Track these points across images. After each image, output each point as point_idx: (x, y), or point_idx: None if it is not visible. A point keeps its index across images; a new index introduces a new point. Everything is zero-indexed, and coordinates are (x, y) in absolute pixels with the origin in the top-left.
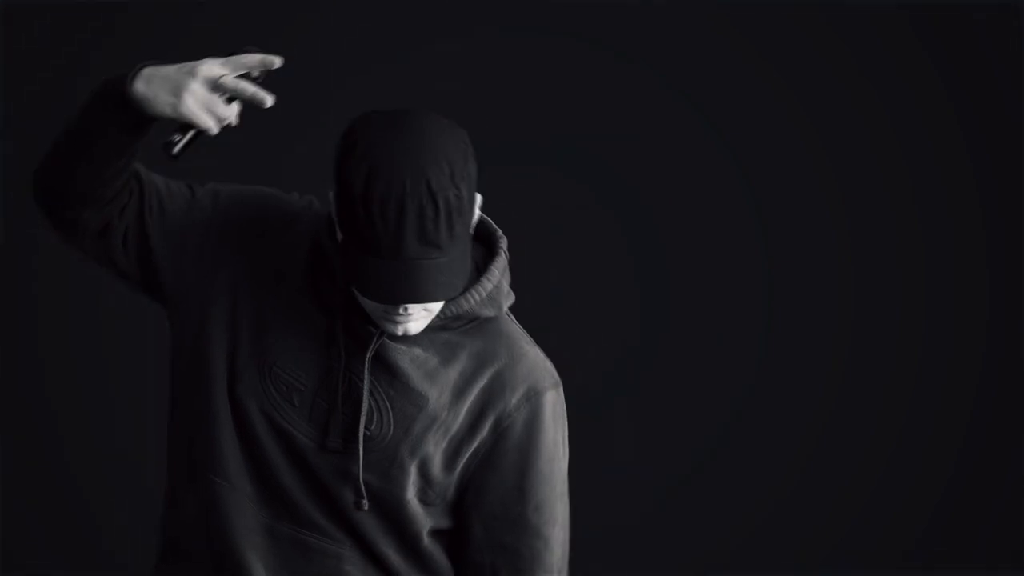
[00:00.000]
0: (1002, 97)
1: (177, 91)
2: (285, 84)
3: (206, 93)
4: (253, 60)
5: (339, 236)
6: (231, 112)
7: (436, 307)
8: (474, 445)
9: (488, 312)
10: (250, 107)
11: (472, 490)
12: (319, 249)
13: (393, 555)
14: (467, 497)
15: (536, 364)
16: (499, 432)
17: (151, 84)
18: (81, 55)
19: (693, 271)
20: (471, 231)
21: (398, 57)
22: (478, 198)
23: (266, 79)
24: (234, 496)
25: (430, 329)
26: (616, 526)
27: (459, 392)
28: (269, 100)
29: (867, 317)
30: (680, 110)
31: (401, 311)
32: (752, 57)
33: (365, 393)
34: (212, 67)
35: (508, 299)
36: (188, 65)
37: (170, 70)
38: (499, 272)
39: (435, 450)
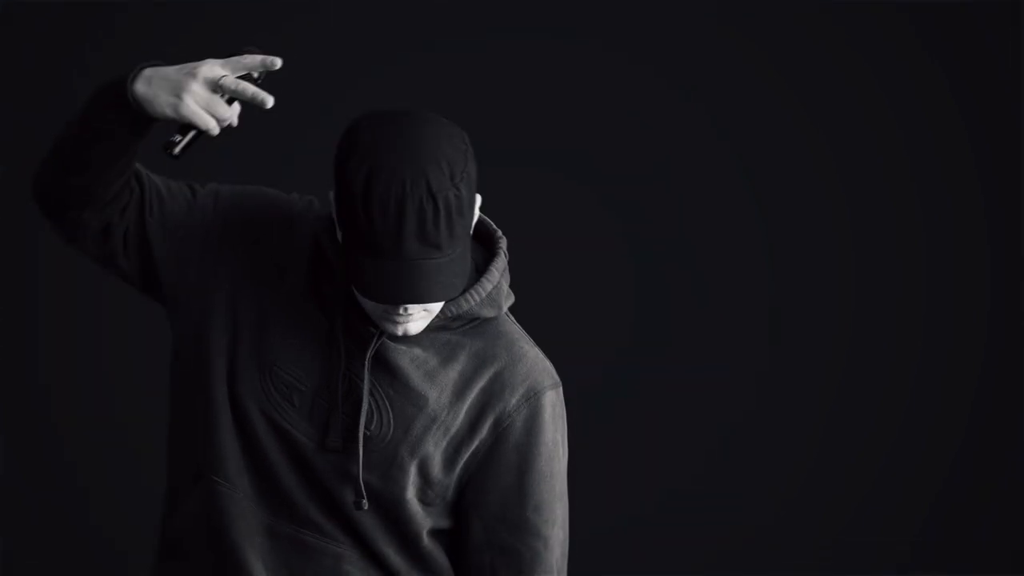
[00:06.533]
0: (1003, 89)
1: (178, 92)
2: (285, 85)
3: (207, 94)
4: (254, 61)
5: (339, 236)
6: (232, 113)
7: (436, 307)
8: (474, 445)
9: (488, 312)
10: (250, 108)
11: (472, 490)
12: (319, 249)
13: (393, 555)
14: (467, 497)
15: (536, 364)
16: (499, 432)
17: (152, 85)
18: (81, 55)
19: (694, 270)
20: (471, 231)
21: (398, 58)
22: (478, 198)
23: (266, 80)
24: (234, 496)
25: (430, 329)
26: (616, 526)
27: (459, 392)
28: (269, 101)
29: (868, 313)
30: (681, 109)
31: (401, 311)
32: (752, 56)
33: (365, 393)
34: (213, 68)
35: (508, 299)
36: (189, 66)
37: (171, 71)
38: (499, 272)
39: (435, 450)
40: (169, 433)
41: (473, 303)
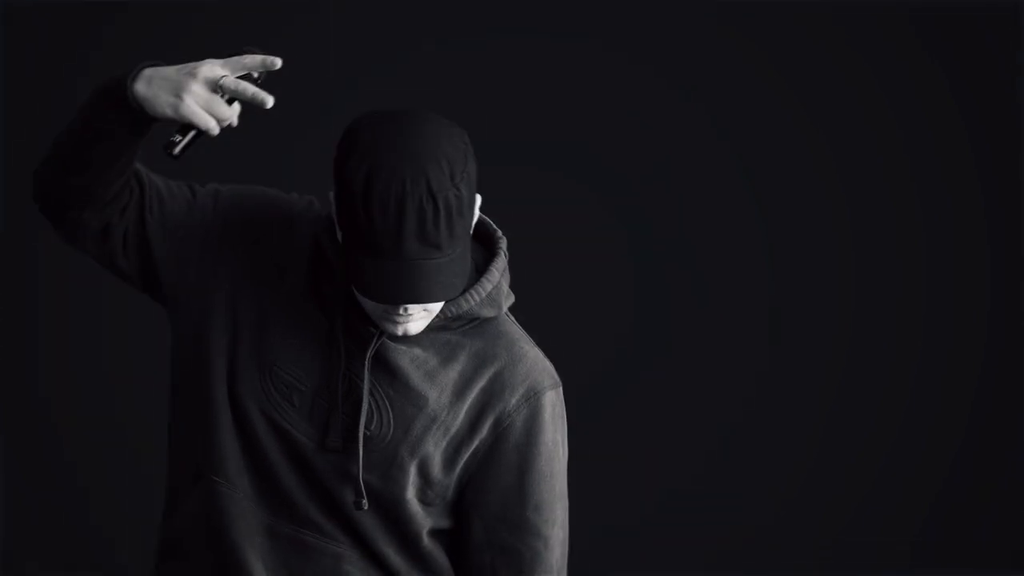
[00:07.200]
0: (1003, 89)
1: (178, 92)
2: (285, 85)
3: (207, 94)
4: (254, 61)
5: (339, 236)
6: (232, 113)
7: (436, 307)
8: (474, 445)
9: (488, 312)
10: (250, 108)
11: (472, 490)
12: (319, 249)
13: (393, 555)
14: (467, 497)
15: (536, 364)
16: (499, 432)
17: (152, 85)
18: (81, 55)
19: (694, 270)
20: (471, 231)
21: (398, 57)
22: (478, 198)
23: (266, 80)
24: (234, 496)
25: (430, 329)
26: (616, 526)
27: (459, 392)
28: (270, 101)
29: (868, 313)
30: (681, 109)
31: (401, 311)
32: (752, 56)
33: (365, 393)
34: (213, 68)
35: (508, 299)
36: (189, 66)
37: (171, 71)
38: (499, 272)
39: (435, 450)
40: (169, 433)
41: (473, 303)
